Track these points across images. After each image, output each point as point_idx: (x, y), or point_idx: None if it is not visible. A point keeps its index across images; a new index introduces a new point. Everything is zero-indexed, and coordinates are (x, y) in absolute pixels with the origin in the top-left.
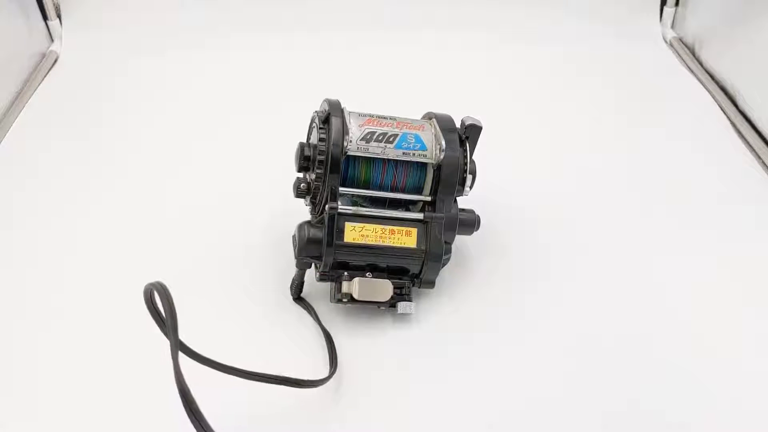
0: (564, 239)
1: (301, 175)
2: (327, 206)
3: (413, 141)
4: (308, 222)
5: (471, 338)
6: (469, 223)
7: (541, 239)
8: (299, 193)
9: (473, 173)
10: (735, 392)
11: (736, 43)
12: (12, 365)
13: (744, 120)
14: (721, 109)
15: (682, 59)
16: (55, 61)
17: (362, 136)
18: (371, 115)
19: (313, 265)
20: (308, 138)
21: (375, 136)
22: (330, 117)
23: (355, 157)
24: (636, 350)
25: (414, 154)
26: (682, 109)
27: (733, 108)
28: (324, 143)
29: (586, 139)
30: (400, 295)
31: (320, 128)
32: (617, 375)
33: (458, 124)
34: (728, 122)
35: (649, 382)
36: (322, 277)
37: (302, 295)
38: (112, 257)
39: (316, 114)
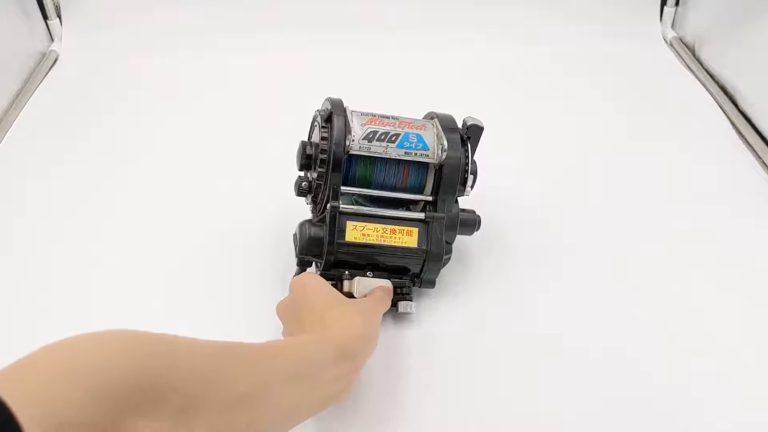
0: (564, 239)
1: (302, 173)
2: (329, 205)
3: (415, 141)
4: (309, 221)
5: (471, 338)
6: (470, 223)
7: (542, 239)
8: (300, 192)
9: (474, 173)
10: (734, 389)
11: (736, 43)
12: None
13: (744, 120)
14: (721, 109)
15: (682, 59)
16: (55, 60)
17: (364, 135)
18: (373, 115)
19: (314, 263)
20: (310, 136)
21: (377, 136)
22: (332, 116)
23: (356, 156)
24: (637, 350)
25: (416, 154)
26: (682, 109)
27: (733, 108)
28: (326, 142)
29: (586, 139)
30: (401, 294)
31: (323, 127)
32: (619, 374)
33: (460, 124)
34: (728, 122)
35: (652, 383)
36: (323, 276)
37: None
38: (112, 257)
39: (318, 113)
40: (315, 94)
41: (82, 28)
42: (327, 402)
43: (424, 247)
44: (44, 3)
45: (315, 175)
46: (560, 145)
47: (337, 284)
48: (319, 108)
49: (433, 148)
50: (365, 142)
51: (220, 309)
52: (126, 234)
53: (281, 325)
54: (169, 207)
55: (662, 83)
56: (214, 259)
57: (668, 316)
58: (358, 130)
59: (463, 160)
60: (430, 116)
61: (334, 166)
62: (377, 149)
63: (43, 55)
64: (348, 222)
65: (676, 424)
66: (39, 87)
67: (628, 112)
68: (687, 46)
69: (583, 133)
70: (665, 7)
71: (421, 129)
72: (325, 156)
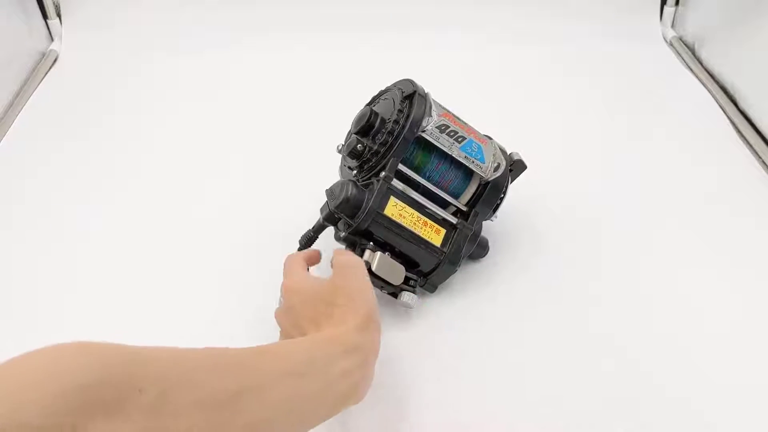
0: (563, 239)
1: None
2: (383, 173)
3: (476, 150)
4: (354, 182)
5: (469, 337)
6: (483, 245)
7: (539, 238)
8: (353, 153)
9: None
10: (733, 387)
11: (736, 43)
12: None
13: (744, 120)
14: (721, 109)
15: (682, 59)
16: (55, 60)
17: (438, 124)
18: (447, 110)
19: (338, 224)
20: (371, 105)
21: (448, 131)
22: (415, 95)
23: (420, 140)
24: (637, 350)
25: (473, 162)
26: (682, 109)
27: (733, 108)
28: (402, 115)
29: (586, 138)
30: (406, 285)
31: (402, 101)
32: (618, 373)
33: None
34: (728, 122)
35: (652, 383)
36: (346, 239)
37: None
38: (112, 255)
39: (395, 87)
40: (314, 94)
41: (82, 27)
42: (342, 401)
43: (445, 250)
44: (44, 2)
45: (374, 144)
46: (560, 145)
47: (356, 251)
48: (395, 83)
49: (488, 164)
50: (437, 131)
51: (217, 309)
52: (125, 233)
53: (276, 325)
54: (168, 206)
55: (662, 83)
56: (211, 259)
57: (667, 315)
58: (435, 118)
59: (506, 187)
60: (487, 136)
61: (403, 141)
62: (444, 142)
63: (43, 55)
64: (392, 197)
65: (677, 423)
66: (39, 86)
67: (628, 112)
68: (687, 46)
69: (583, 133)
70: (665, 7)
71: (483, 142)
72: (391, 128)
